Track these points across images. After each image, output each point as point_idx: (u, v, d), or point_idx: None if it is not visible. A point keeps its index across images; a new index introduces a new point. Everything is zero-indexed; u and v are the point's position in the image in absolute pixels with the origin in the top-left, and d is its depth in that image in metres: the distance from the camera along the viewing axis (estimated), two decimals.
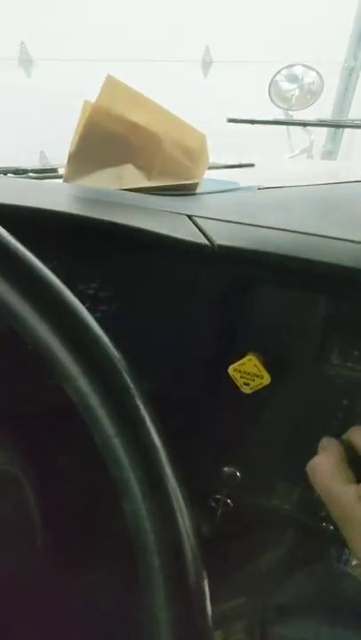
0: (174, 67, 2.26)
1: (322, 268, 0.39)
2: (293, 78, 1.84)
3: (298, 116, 1.85)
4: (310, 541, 0.77)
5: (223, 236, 0.42)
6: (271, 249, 0.40)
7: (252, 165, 0.68)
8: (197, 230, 0.43)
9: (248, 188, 0.60)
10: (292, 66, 1.85)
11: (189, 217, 0.45)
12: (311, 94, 1.86)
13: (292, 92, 1.83)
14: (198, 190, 0.60)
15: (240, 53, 2.23)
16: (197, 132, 0.60)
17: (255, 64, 2.23)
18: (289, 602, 0.71)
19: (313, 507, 0.56)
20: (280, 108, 1.91)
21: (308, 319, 0.45)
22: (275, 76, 1.83)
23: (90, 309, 0.48)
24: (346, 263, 0.38)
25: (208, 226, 0.44)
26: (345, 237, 0.42)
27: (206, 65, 2.28)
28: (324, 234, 0.43)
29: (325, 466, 0.36)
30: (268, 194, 0.57)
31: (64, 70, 2.24)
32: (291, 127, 1.93)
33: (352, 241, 0.41)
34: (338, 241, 0.41)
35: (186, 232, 0.42)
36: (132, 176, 0.58)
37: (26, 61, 2.26)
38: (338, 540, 0.57)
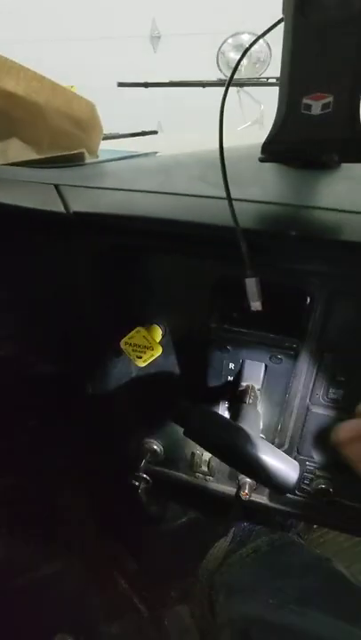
0: (123, 43, 2.19)
1: (185, 227, 0.37)
2: (241, 47, 1.78)
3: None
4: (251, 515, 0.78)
5: (85, 203, 0.40)
6: (130, 212, 0.38)
7: (155, 132, 0.66)
8: (59, 199, 0.41)
9: (145, 155, 0.58)
10: (238, 34, 1.80)
11: (56, 186, 0.43)
12: (260, 63, 1.81)
13: (241, 62, 1.78)
14: (93, 160, 0.58)
15: (188, 25, 2.17)
16: (85, 100, 0.57)
17: (206, 35, 2.16)
18: (236, 580, 0.72)
19: (232, 473, 0.56)
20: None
21: (192, 285, 0.44)
22: (221, 45, 1.77)
23: None
24: (205, 220, 0.36)
25: (73, 193, 0.42)
26: (212, 195, 0.40)
27: (155, 40, 2.21)
28: (194, 193, 0.41)
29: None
30: (160, 160, 0.55)
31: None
32: (243, 98, 1.88)
33: (219, 197, 0.39)
34: (204, 199, 0.39)
35: (45, 201, 0.40)
36: (18, 150, 0.55)
37: None
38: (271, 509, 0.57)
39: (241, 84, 0.91)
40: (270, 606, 0.60)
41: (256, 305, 0.35)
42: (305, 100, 0.34)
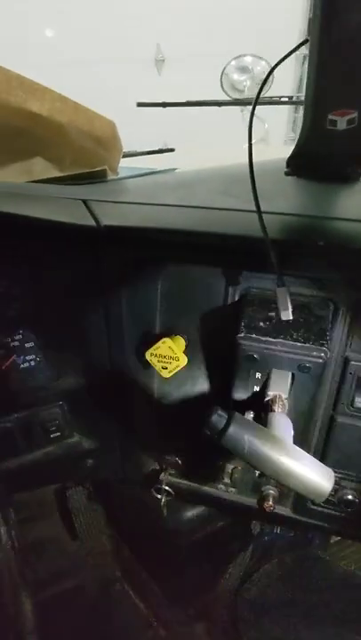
0: (128, 67, 2.26)
1: (212, 239, 0.38)
2: (244, 69, 1.83)
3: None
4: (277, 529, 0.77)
5: (113, 217, 0.41)
6: (159, 225, 0.39)
7: (172, 150, 0.68)
8: (89, 213, 0.42)
9: (164, 171, 0.60)
10: (241, 56, 1.85)
11: (85, 202, 0.44)
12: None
13: (244, 83, 1.83)
14: (114, 177, 0.60)
15: (192, 49, 2.23)
16: (106, 119, 0.59)
17: (209, 58, 2.22)
18: (261, 596, 0.70)
19: (255, 485, 0.55)
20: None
21: (218, 296, 0.45)
22: (225, 67, 1.83)
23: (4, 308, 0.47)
24: (233, 231, 0.37)
25: (101, 208, 0.43)
26: (237, 207, 0.41)
27: (159, 63, 2.28)
28: (218, 206, 0.42)
29: None
30: (180, 175, 0.57)
31: None
32: (247, 117, 1.93)
33: (244, 210, 0.40)
34: (229, 212, 0.40)
35: (76, 215, 0.41)
36: (42, 168, 0.57)
37: None
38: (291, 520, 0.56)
39: (257, 101, 0.92)
40: (304, 626, 0.59)
41: (286, 313, 0.36)
42: (330, 116, 0.35)
